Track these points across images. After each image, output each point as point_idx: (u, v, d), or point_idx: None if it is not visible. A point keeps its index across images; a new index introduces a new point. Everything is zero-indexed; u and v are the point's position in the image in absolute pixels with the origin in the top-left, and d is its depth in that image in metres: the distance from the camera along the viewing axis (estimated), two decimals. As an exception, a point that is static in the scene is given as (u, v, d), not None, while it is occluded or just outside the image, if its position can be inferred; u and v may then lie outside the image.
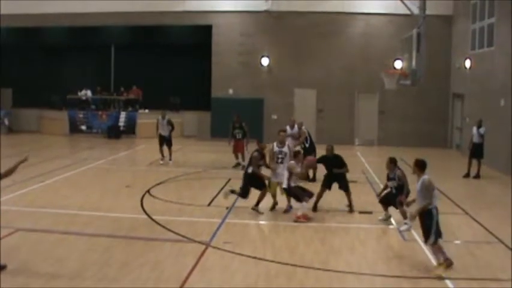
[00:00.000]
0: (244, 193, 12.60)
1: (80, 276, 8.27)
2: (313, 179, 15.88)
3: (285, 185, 11.94)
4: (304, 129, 16.84)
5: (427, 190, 8.74)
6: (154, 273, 8.44)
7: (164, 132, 19.08)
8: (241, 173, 16.79)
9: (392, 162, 11.48)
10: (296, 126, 17.16)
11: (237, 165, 18.20)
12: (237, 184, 13.21)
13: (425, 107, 25.41)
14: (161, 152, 19.15)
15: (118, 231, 10.73)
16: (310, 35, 25.96)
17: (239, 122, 18.41)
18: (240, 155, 18.36)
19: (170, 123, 19.18)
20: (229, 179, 16.22)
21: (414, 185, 9.23)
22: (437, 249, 8.83)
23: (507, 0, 18.36)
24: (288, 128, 17.03)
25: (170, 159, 19.15)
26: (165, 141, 19.12)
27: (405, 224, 10.93)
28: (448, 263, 8.75)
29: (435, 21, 23.52)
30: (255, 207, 12.37)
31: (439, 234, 8.75)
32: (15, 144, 23.43)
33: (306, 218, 11.66)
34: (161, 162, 19.01)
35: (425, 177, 8.86)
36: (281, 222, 11.70)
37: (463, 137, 22.75)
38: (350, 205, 12.68)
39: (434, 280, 8.42)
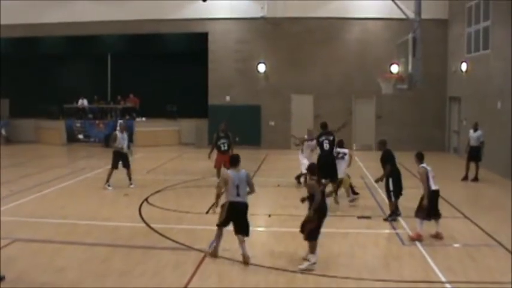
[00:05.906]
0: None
1: (79, 286, 8.24)
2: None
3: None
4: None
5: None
6: (154, 282, 8.42)
7: (125, 148, 16.36)
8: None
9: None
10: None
11: None
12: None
13: (422, 110, 25.49)
14: (111, 174, 16.01)
15: (117, 240, 10.73)
16: (307, 40, 26.05)
17: (225, 131, 16.24)
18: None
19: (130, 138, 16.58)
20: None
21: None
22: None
23: (502, 2, 18.43)
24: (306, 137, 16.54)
25: (131, 182, 16.33)
26: (124, 160, 16.26)
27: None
28: (212, 253, 9.57)
29: (431, 25, 23.57)
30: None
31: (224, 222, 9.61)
32: (12, 155, 23.41)
33: None
34: (109, 188, 15.82)
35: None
36: (280, 229, 11.68)
37: (461, 140, 22.78)
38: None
39: (434, 284, 8.42)
